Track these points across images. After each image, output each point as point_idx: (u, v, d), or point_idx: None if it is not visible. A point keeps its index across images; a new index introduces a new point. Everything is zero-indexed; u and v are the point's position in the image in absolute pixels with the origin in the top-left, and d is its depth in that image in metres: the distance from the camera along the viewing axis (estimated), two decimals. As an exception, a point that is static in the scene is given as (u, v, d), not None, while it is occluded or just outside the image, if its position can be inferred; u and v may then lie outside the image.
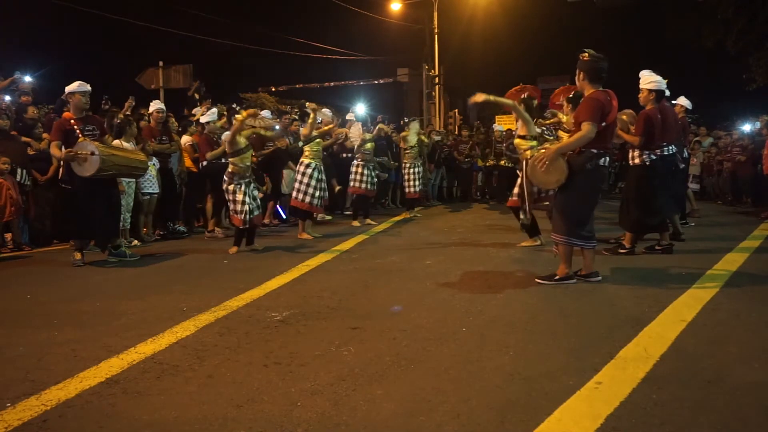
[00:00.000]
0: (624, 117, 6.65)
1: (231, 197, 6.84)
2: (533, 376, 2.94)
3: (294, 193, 8.05)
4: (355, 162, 9.66)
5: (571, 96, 6.43)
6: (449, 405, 2.65)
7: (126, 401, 2.78)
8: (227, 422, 2.54)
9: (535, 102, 6.84)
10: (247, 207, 6.75)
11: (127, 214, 7.51)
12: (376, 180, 9.86)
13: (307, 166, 7.92)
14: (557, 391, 2.75)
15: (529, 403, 2.65)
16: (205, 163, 8.50)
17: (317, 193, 7.87)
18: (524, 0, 25.53)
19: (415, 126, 10.87)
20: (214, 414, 2.61)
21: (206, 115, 8.78)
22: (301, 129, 8.46)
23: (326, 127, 8.62)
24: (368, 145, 9.65)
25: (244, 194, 6.76)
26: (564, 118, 6.91)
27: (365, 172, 9.50)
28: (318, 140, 8.06)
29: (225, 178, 6.90)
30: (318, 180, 7.90)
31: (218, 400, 2.76)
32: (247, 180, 6.85)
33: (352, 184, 9.63)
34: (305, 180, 7.87)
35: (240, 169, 6.83)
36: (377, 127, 10.38)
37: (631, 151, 6.49)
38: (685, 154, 8.41)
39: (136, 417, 2.61)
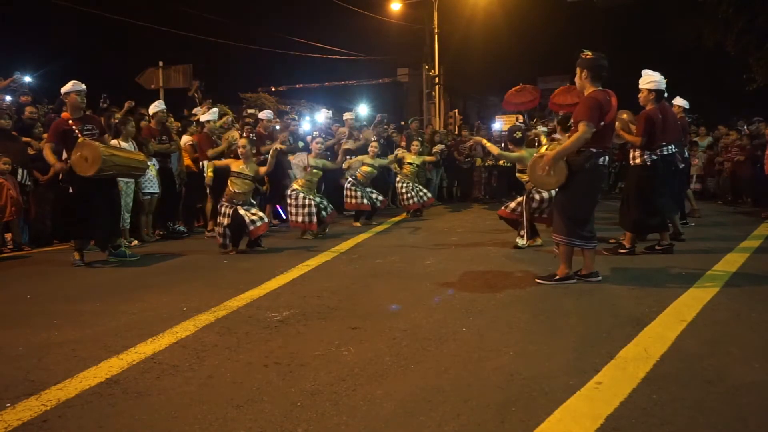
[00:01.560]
0: (624, 116, 6.67)
1: (219, 219, 6.97)
2: (533, 376, 2.94)
3: (289, 215, 8.24)
4: (347, 183, 9.46)
5: (560, 118, 6.72)
6: (449, 405, 2.65)
7: (126, 401, 2.78)
8: (227, 422, 2.54)
9: (518, 134, 7.01)
10: (224, 230, 6.84)
11: (126, 214, 7.52)
12: (373, 195, 9.58)
13: (293, 189, 8.06)
14: (557, 391, 2.75)
15: (529, 403, 2.65)
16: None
17: (305, 210, 7.92)
18: (524, 0, 25.56)
19: (415, 146, 10.83)
20: (214, 414, 2.61)
21: (206, 114, 8.76)
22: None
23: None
24: (367, 169, 9.55)
25: (226, 216, 6.80)
26: (542, 135, 7.49)
27: (357, 189, 9.39)
28: (316, 172, 8.15)
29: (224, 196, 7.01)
30: (304, 199, 7.93)
31: (218, 400, 2.76)
32: (234, 206, 6.82)
33: (348, 201, 9.50)
34: (292, 201, 8.03)
35: (231, 193, 6.88)
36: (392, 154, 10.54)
37: (632, 151, 6.49)
38: (686, 154, 8.41)
39: (136, 417, 2.61)
